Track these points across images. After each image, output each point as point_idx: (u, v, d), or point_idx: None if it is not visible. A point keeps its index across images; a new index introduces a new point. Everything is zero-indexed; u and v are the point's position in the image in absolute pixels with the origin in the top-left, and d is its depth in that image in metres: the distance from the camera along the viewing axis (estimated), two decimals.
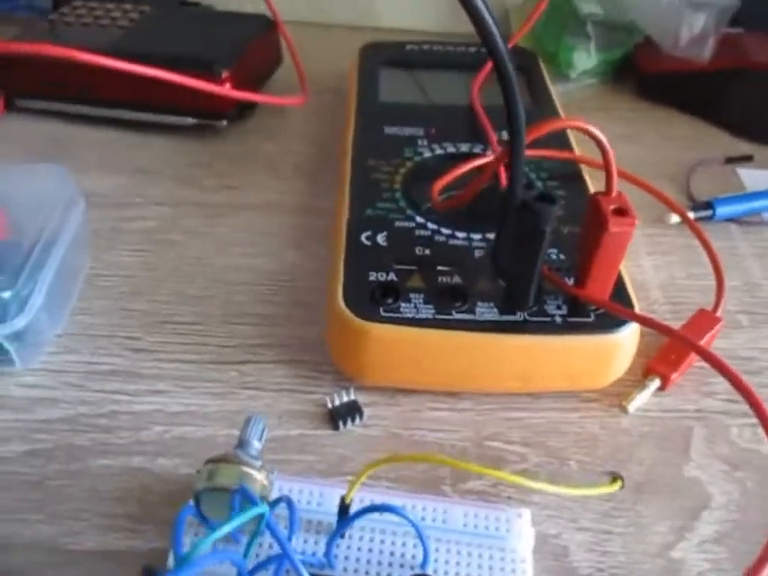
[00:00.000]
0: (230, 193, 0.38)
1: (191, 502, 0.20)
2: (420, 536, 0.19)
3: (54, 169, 0.31)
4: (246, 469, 0.20)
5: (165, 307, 0.31)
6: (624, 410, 0.27)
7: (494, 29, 0.20)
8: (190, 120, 0.40)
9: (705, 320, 0.29)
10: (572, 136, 0.35)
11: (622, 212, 0.23)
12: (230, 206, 0.37)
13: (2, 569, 0.22)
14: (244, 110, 0.41)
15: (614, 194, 0.23)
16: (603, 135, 0.22)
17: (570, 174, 0.32)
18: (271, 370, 0.28)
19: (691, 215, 0.35)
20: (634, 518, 0.24)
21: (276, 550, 0.20)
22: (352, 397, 0.27)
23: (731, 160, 0.40)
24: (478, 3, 0.19)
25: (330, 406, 0.26)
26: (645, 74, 0.46)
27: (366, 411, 0.27)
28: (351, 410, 0.26)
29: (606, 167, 0.22)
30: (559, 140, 0.33)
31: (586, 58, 0.45)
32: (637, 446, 0.26)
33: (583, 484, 0.25)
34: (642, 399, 0.27)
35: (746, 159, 0.40)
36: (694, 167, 0.40)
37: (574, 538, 0.23)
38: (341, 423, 0.26)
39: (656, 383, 0.27)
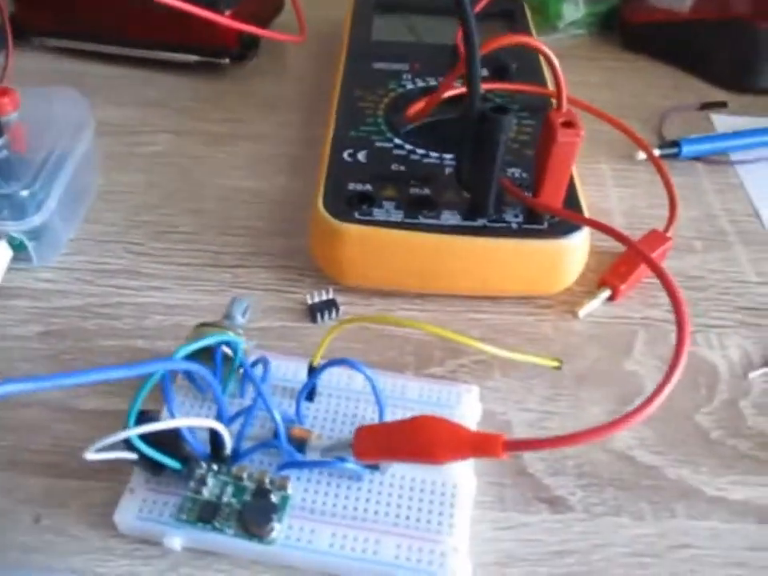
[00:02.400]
0: (230, 125, 0.41)
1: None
2: (374, 388, 0.22)
3: (67, 92, 0.35)
4: (229, 333, 0.23)
5: (167, 219, 0.34)
6: (575, 315, 0.30)
7: None
8: (193, 57, 0.43)
9: (656, 238, 0.32)
10: (547, 74, 0.37)
11: (569, 125, 0.25)
12: (230, 136, 0.40)
13: (18, 421, 0.26)
14: (246, 50, 0.44)
15: (564, 109, 0.26)
16: (552, 54, 0.25)
17: (542, 107, 0.34)
18: (260, 273, 0.31)
19: (657, 152, 0.37)
20: (573, 402, 0.27)
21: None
22: (330, 296, 0.30)
23: (705, 106, 0.42)
24: None
25: (309, 302, 0.30)
26: (629, 25, 0.48)
27: (343, 309, 0.30)
28: (328, 306, 0.29)
29: (557, 83, 0.25)
30: (535, 76, 0.36)
31: (573, 10, 0.47)
32: (584, 346, 0.29)
33: (533, 374, 0.28)
34: (592, 306, 0.30)
35: (720, 105, 0.43)
36: (668, 111, 0.42)
37: (518, 416, 0.26)
38: (318, 316, 0.29)
39: (606, 293, 0.30)
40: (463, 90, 0.32)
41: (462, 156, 0.27)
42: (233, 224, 0.34)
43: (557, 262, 0.28)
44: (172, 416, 0.20)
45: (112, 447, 0.21)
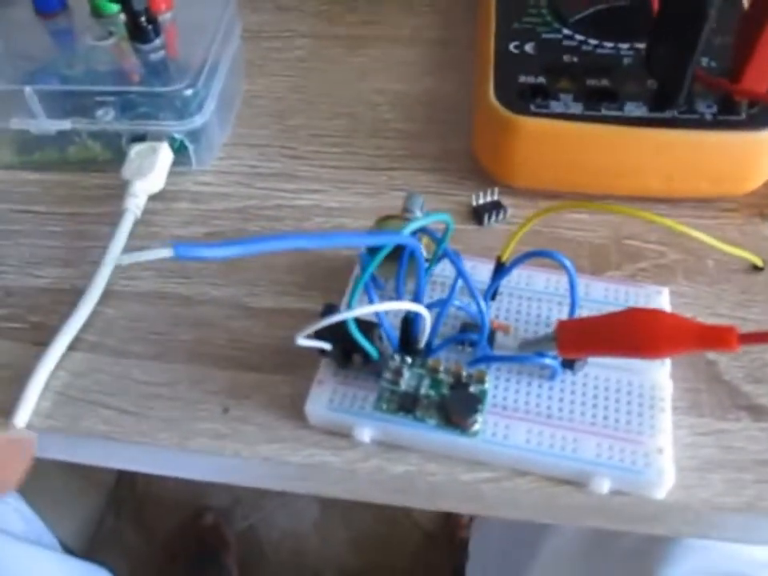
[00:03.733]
0: (367, 28, 0.39)
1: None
2: (572, 280, 0.21)
3: None
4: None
5: (317, 123, 0.33)
6: (765, 217, 0.27)
7: None
8: None
9: None
10: None
11: None
12: (369, 38, 0.38)
13: (196, 318, 0.26)
14: None
15: None
16: None
17: None
18: (417, 176, 0.30)
19: None
20: None
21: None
22: (496, 197, 0.28)
23: None
24: None
25: (474, 203, 0.28)
26: None
27: (510, 211, 0.28)
28: (495, 208, 0.28)
29: None
30: None
31: None
32: None
33: (721, 279, 0.26)
34: None
35: None
36: None
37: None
38: (485, 218, 0.28)
39: None
40: None
41: (654, 39, 0.25)
42: (384, 126, 0.33)
43: (755, 156, 0.26)
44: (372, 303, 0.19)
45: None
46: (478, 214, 0.28)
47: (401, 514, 0.87)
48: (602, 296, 0.24)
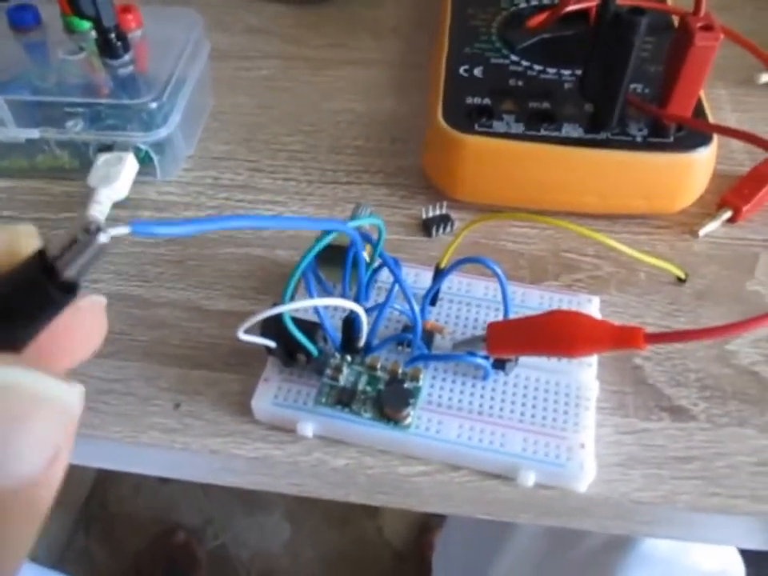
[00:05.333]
0: (333, 50, 0.41)
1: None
2: (503, 286, 0.22)
3: (185, 12, 0.35)
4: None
5: (279, 139, 0.35)
6: (694, 235, 0.29)
7: None
8: None
9: None
10: None
11: (708, 28, 0.24)
12: (334, 61, 0.40)
13: (153, 319, 0.27)
14: None
15: (702, 14, 0.25)
16: None
17: (662, 24, 0.33)
18: (372, 190, 0.32)
19: None
20: (693, 318, 0.27)
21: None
22: (444, 211, 0.30)
23: None
24: None
25: (423, 216, 0.30)
26: None
27: (456, 224, 0.30)
28: (443, 220, 0.30)
29: None
30: None
31: None
32: (703, 265, 0.28)
33: (650, 290, 0.28)
34: (712, 226, 0.29)
35: None
36: None
37: None
38: (433, 230, 0.29)
39: (727, 214, 0.29)
40: (582, 5, 0.31)
41: (589, 65, 0.27)
42: (343, 143, 0.34)
43: (683, 177, 0.28)
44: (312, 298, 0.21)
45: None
46: (426, 227, 0.30)
47: (371, 532, 0.88)
48: (537, 303, 0.26)
